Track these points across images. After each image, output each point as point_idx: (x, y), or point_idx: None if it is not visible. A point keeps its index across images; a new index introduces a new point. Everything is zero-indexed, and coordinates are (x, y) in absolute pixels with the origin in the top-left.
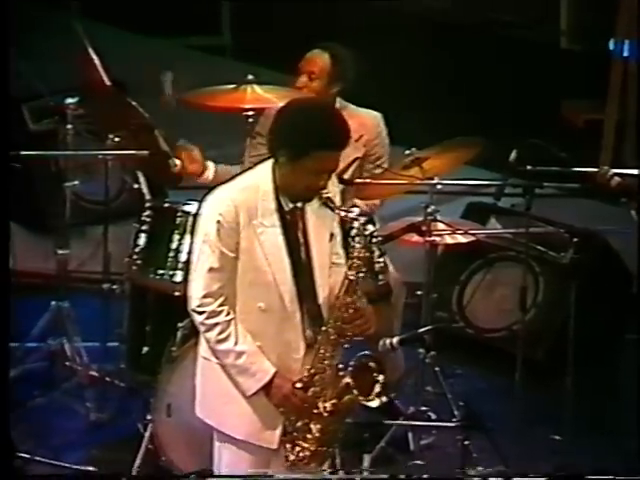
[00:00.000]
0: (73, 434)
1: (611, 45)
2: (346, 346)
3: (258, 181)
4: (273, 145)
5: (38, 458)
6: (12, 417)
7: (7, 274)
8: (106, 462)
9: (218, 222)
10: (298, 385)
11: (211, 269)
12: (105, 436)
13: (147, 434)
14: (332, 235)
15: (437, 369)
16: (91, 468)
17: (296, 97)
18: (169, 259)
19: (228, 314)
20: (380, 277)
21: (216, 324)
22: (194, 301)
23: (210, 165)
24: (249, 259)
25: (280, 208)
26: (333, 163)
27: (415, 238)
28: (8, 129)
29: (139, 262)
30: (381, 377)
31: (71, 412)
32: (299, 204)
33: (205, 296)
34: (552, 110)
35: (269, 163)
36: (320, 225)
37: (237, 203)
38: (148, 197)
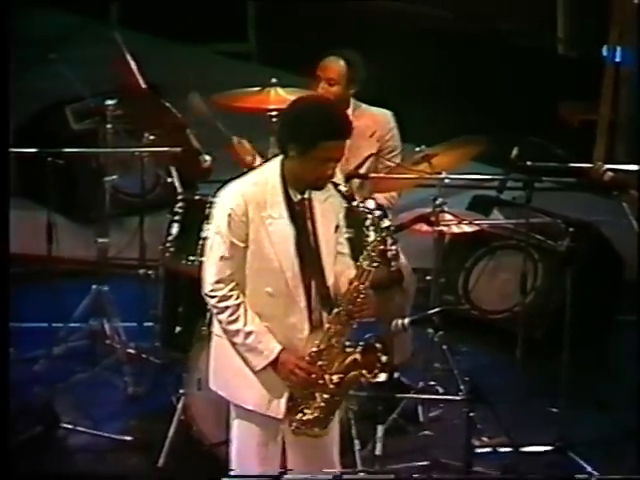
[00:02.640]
0: (112, 406)
1: (604, 51)
2: (354, 326)
3: (267, 176)
4: (283, 140)
5: (80, 428)
6: (56, 391)
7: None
8: (142, 432)
9: (229, 215)
10: (306, 359)
11: (222, 257)
12: (141, 408)
13: (179, 406)
14: (337, 227)
15: (444, 347)
16: (128, 437)
17: (300, 96)
18: (199, 246)
19: (238, 298)
20: (392, 264)
21: (227, 307)
22: (207, 286)
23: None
24: (257, 248)
25: (288, 200)
26: (339, 152)
27: (425, 228)
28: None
29: (172, 249)
30: (384, 357)
31: (110, 386)
32: (306, 195)
33: (217, 282)
34: (550, 111)
35: (277, 160)
36: (326, 216)
37: (247, 198)
38: (180, 190)
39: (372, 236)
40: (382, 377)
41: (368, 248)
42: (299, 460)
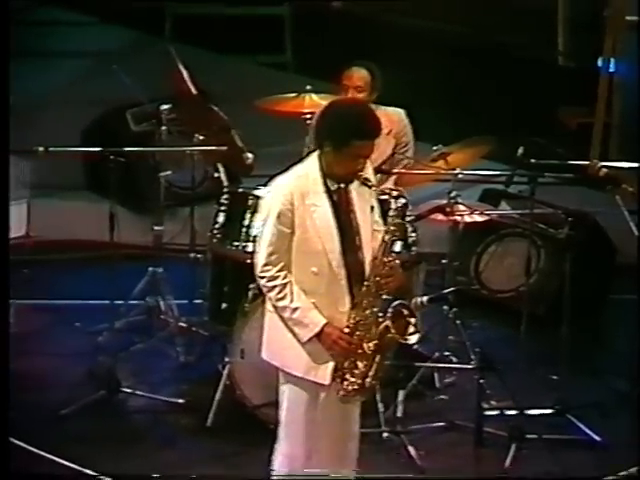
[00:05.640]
0: (166, 373)
1: (599, 63)
2: (384, 297)
3: (308, 170)
4: (319, 137)
5: (138, 392)
6: (117, 360)
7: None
8: (192, 395)
9: (278, 206)
10: (346, 330)
11: (270, 243)
12: (192, 374)
13: (225, 373)
14: (372, 207)
15: (458, 322)
16: (180, 400)
17: (336, 98)
18: (242, 233)
19: (285, 278)
20: (412, 249)
21: (275, 286)
22: (258, 268)
23: None
24: (302, 233)
25: (327, 189)
26: (368, 150)
27: (441, 217)
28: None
29: (218, 236)
30: (413, 320)
31: (164, 355)
32: (342, 185)
33: (265, 264)
34: (552, 115)
35: (315, 155)
36: (362, 200)
37: (292, 190)
38: (226, 184)
39: (391, 215)
40: (414, 338)
41: (388, 224)
42: (329, 423)
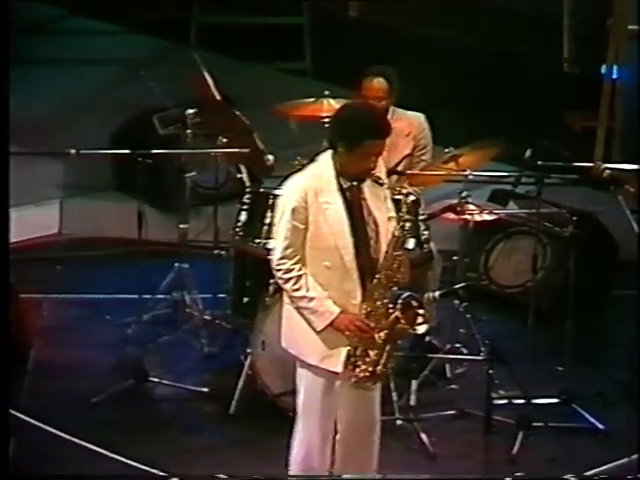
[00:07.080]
0: (191, 363)
1: (603, 69)
2: (395, 290)
3: (322, 169)
4: (333, 139)
5: (165, 381)
6: (145, 351)
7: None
8: (216, 384)
9: (292, 203)
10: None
11: (285, 238)
12: (215, 365)
13: (247, 363)
14: (385, 197)
15: (468, 316)
16: (205, 389)
17: (349, 101)
18: (263, 231)
19: (300, 270)
20: (425, 246)
21: (290, 278)
22: (274, 262)
23: None
24: (316, 229)
25: (340, 187)
26: (380, 149)
27: (452, 216)
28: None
29: (241, 233)
30: (422, 311)
31: (190, 347)
32: (355, 183)
33: (281, 258)
34: (557, 119)
35: (329, 154)
36: (374, 191)
37: (307, 188)
38: (248, 184)
39: (403, 210)
40: (422, 329)
41: (399, 219)
42: (350, 410)
